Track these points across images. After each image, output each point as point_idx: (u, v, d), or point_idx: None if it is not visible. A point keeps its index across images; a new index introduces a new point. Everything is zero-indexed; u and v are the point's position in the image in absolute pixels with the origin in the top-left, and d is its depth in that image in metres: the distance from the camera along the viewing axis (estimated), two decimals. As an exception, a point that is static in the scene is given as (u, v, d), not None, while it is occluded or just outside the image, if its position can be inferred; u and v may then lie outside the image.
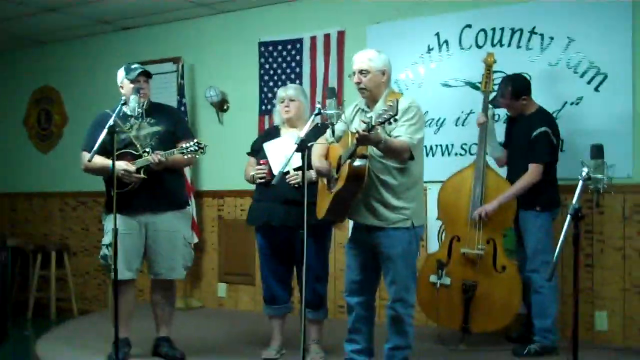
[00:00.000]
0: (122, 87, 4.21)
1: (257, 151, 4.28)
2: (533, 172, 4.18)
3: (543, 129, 4.20)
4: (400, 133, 3.36)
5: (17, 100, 7.47)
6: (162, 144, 4.10)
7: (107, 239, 4.10)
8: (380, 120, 3.09)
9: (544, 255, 4.16)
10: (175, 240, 4.20)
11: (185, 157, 4.02)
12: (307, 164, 3.35)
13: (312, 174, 3.77)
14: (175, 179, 4.27)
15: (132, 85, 4.11)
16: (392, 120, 3.10)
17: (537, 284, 4.19)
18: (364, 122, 3.16)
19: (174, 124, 4.26)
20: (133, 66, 4.22)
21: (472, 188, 4.33)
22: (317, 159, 3.67)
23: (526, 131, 4.27)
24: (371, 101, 3.58)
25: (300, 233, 3.25)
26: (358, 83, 3.54)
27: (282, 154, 4.00)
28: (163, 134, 4.16)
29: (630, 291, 4.51)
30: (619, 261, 4.55)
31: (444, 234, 4.51)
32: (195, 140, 4.02)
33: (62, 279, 6.72)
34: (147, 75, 4.22)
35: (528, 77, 4.51)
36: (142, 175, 4.02)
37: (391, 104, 3.09)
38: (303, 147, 3.25)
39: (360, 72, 3.52)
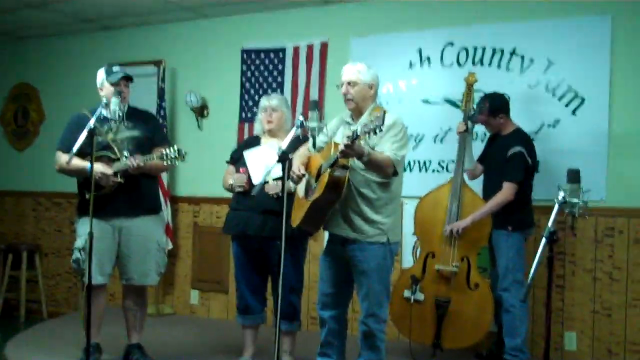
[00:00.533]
0: (101, 89, 4.18)
1: (236, 160, 4.27)
2: (506, 190, 4.22)
3: (518, 149, 4.25)
4: (385, 149, 3.38)
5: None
6: (139, 149, 4.07)
7: (80, 242, 4.05)
8: (365, 130, 3.09)
9: (515, 274, 4.22)
10: (149, 245, 4.17)
11: (164, 163, 3.99)
12: (287, 175, 3.35)
13: (291, 185, 3.74)
14: (150, 184, 4.24)
15: (112, 88, 4.08)
16: (377, 130, 3.08)
17: (508, 303, 4.23)
18: (348, 138, 3.15)
19: (152, 130, 4.24)
20: (115, 68, 4.19)
21: (448, 205, 4.37)
22: (298, 162, 3.63)
23: (502, 150, 4.31)
24: (356, 114, 3.60)
25: (277, 244, 3.24)
26: (345, 94, 3.55)
27: (262, 164, 4.00)
28: (141, 139, 4.13)
29: (600, 313, 4.57)
30: (589, 283, 4.61)
31: (418, 250, 4.52)
32: (175, 147, 3.97)
33: (33, 280, 6.62)
34: (128, 79, 4.20)
35: (507, 98, 4.56)
36: (119, 179, 3.98)
37: (378, 115, 3.09)
38: (284, 158, 3.25)
39: (349, 83, 3.54)
